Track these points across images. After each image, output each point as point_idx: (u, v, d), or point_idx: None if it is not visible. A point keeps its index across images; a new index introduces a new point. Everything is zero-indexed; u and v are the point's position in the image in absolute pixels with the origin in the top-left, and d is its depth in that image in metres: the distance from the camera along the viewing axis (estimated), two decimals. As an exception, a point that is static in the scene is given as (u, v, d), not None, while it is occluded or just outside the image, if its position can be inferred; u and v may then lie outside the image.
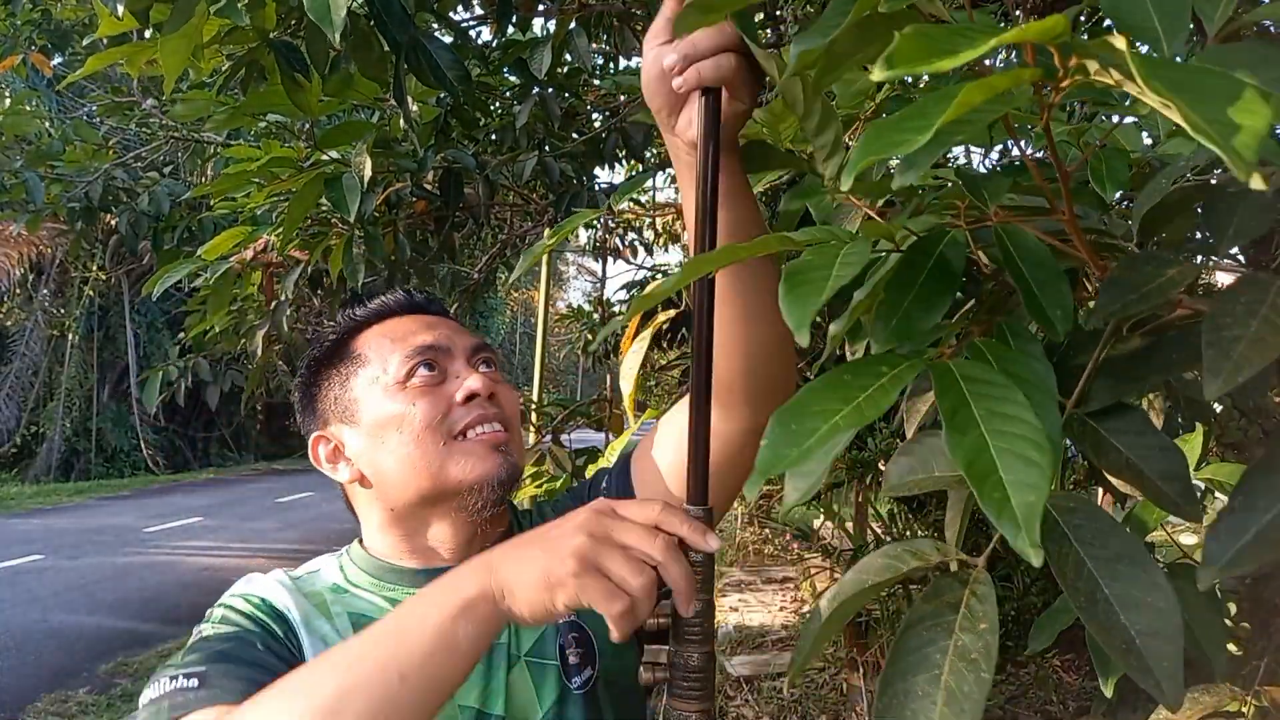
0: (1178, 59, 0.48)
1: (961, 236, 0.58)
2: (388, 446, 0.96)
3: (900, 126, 0.37)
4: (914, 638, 0.51)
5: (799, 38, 0.47)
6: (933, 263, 0.57)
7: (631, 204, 3.95)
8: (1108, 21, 0.59)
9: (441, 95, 2.19)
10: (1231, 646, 1.10)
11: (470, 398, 0.96)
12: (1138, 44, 0.47)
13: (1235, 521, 0.48)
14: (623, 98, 2.71)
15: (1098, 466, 0.58)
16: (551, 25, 2.31)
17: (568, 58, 2.38)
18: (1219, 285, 0.71)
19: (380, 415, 0.96)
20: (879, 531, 4.34)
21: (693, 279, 0.56)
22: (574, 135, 2.70)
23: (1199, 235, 0.72)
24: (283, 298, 2.59)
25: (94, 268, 13.63)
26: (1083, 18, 1.53)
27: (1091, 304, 0.62)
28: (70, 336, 15.39)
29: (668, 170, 3.57)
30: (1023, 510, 0.41)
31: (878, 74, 0.35)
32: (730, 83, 0.71)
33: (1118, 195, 0.72)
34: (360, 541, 1.04)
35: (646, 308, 0.68)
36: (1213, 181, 0.59)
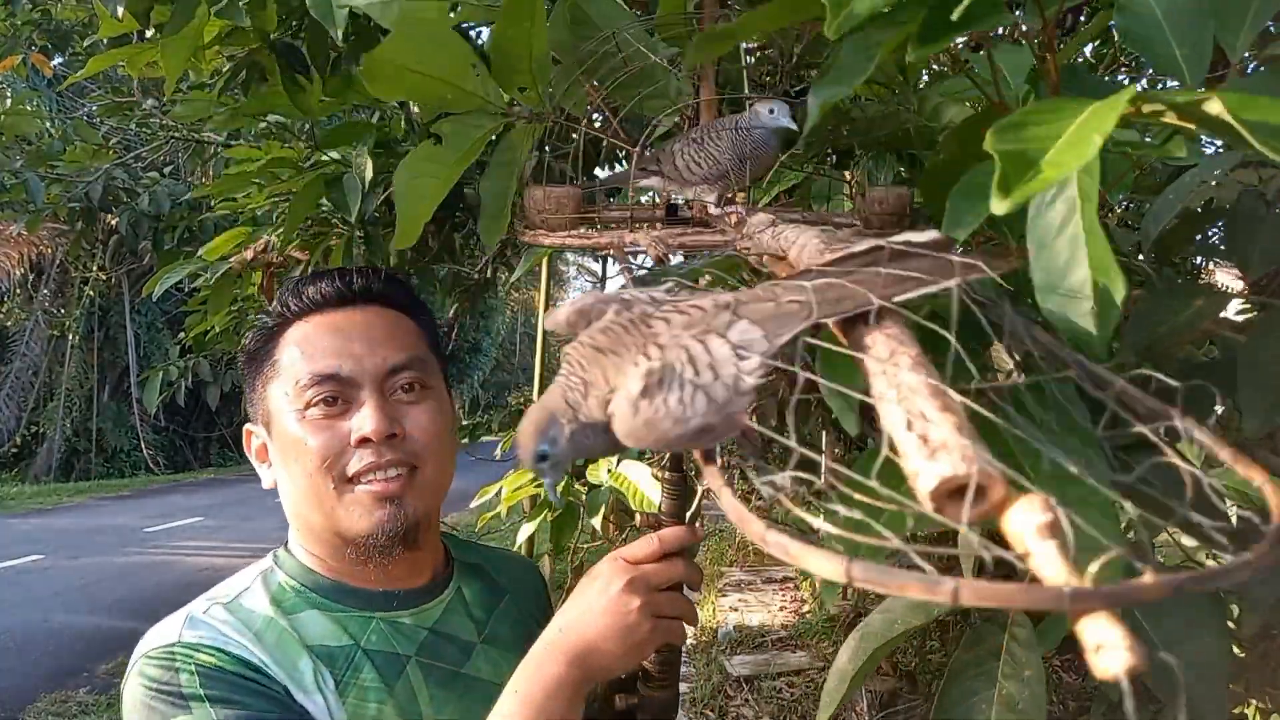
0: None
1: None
2: (289, 472, 0.93)
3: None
4: (957, 689, 0.50)
5: (818, 86, 0.47)
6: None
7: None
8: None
9: (442, 96, 2.19)
10: (1234, 649, 1.10)
11: (364, 441, 0.89)
12: (1160, 75, 0.47)
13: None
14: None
15: (1131, 502, 0.56)
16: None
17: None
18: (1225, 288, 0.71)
19: (284, 437, 0.92)
20: (879, 532, 4.34)
21: None
22: (574, 135, 2.69)
23: (1204, 238, 0.71)
24: (283, 298, 2.59)
25: (94, 268, 13.62)
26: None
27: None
28: (70, 336, 15.37)
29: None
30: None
31: (998, 208, 0.36)
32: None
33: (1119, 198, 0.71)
34: (287, 546, 0.99)
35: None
36: (1225, 192, 0.58)
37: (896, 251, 0.50)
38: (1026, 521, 0.35)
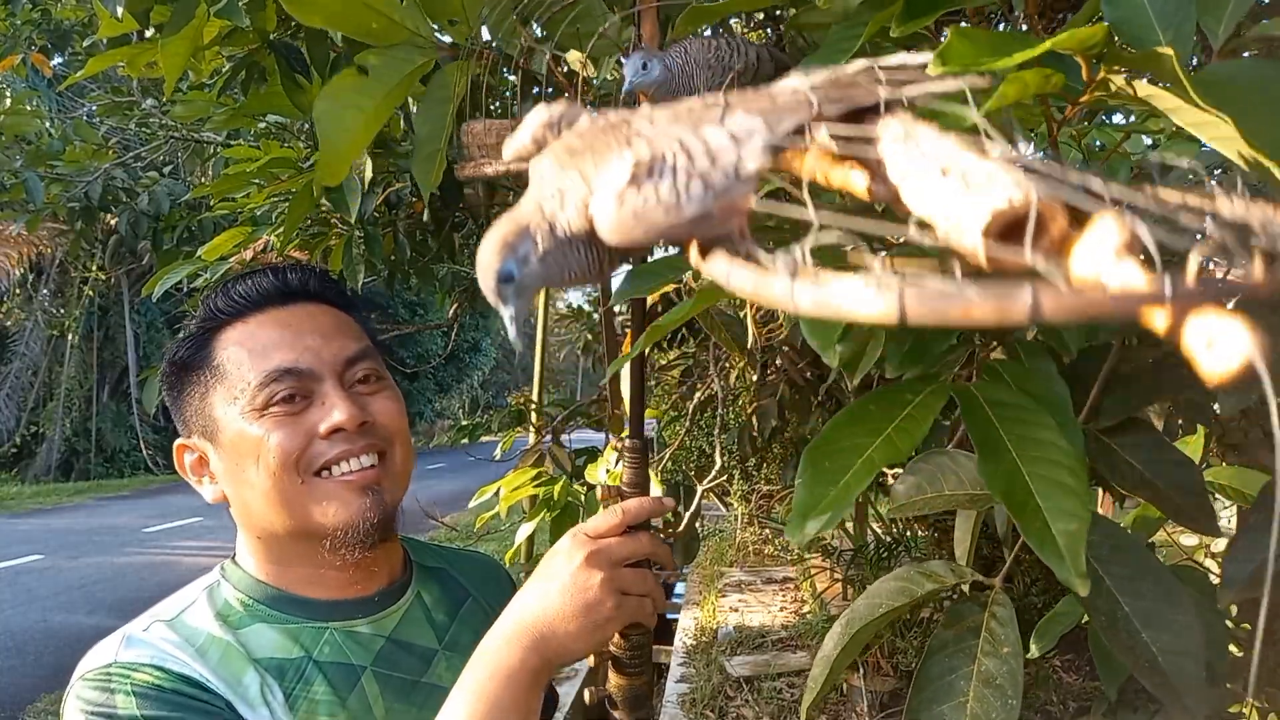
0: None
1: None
2: (246, 478, 0.87)
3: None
4: (936, 665, 0.50)
5: (807, 63, 0.46)
6: None
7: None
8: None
9: (442, 96, 2.19)
10: (1232, 648, 1.10)
11: (335, 431, 0.86)
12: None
13: (1253, 540, 0.47)
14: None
15: (1111, 483, 0.57)
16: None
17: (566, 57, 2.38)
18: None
19: (238, 442, 0.87)
20: (878, 531, 4.34)
21: (705, 306, 0.56)
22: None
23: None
24: (283, 298, 2.59)
25: (94, 268, 13.63)
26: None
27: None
28: (70, 336, 15.39)
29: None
30: (1065, 540, 0.40)
31: (934, 69, 0.35)
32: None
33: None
34: (235, 558, 0.95)
35: (657, 338, 0.69)
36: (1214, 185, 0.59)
37: (890, 72, 0.44)
38: (1100, 245, 0.30)
